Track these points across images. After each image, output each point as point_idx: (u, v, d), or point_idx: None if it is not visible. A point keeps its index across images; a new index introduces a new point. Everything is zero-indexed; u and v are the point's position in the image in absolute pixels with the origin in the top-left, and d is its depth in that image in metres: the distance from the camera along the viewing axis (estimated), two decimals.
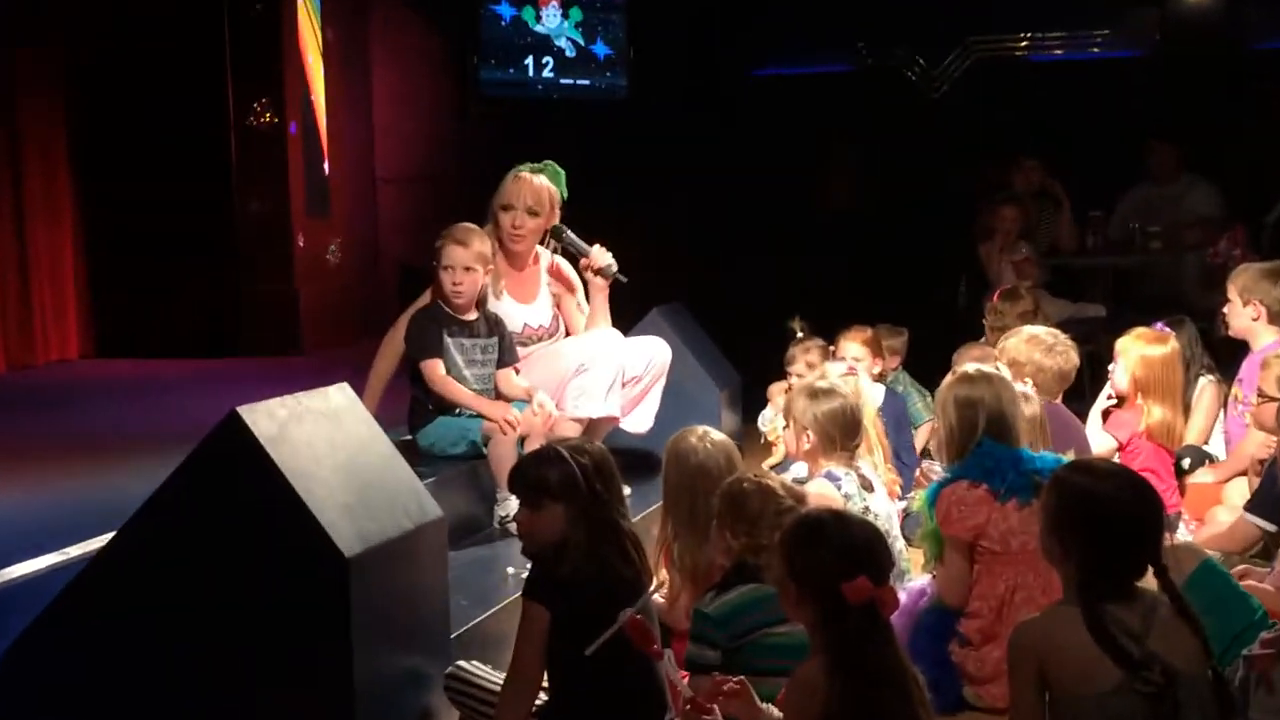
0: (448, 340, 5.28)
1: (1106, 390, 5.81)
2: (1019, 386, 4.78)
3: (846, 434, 4.62)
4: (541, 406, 5.25)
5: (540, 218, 5.66)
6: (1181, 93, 10.57)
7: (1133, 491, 3.05)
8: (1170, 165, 9.27)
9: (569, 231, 5.74)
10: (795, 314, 6.69)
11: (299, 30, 10.09)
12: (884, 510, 4.63)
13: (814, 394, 4.64)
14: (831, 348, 6.51)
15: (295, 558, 3.39)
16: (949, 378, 4.52)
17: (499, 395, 5.36)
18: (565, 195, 5.77)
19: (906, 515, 5.43)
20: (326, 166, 10.46)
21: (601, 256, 5.72)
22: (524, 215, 5.63)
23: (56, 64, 9.48)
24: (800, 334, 6.60)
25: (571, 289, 5.85)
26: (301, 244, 10.03)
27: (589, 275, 5.75)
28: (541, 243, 5.72)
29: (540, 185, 5.66)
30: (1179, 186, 9.23)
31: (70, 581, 3.56)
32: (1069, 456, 4.43)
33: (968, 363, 5.69)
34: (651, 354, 5.81)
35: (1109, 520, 2.99)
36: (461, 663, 3.81)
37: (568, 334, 5.86)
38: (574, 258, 5.80)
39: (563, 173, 5.75)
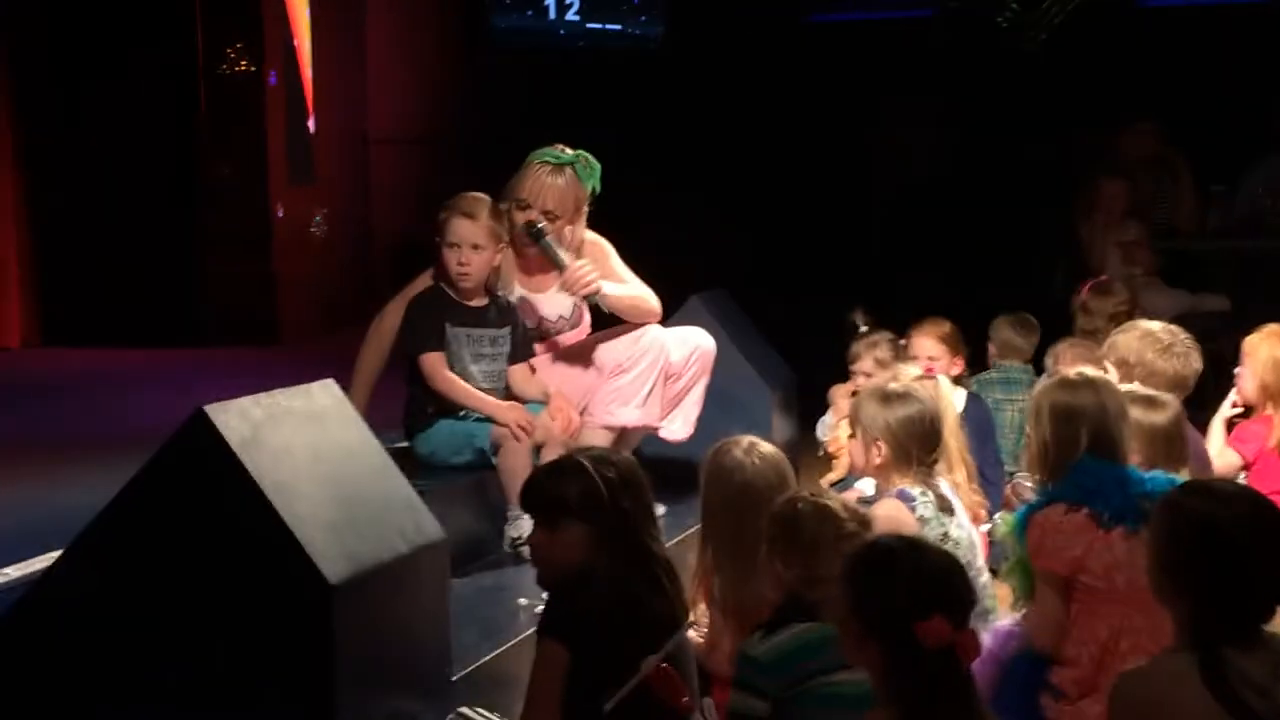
0: (451, 331, 5.30)
1: (1231, 398, 5.78)
2: (1138, 389, 4.75)
3: (924, 446, 4.60)
4: (561, 410, 5.26)
5: (562, 220, 5.64)
6: None
7: (1259, 517, 3.02)
8: None
9: (549, 235, 5.60)
10: (857, 304, 6.67)
11: None
12: (966, 537, 4.61)
13: (886, 398, 4.63)
14: (903, 342, 6.49)
15: (272, 583, 3.41)
16: (1046, 381, 4.49)
17: (510, 395, 5.37)
18: (598, 191, 5.74)
19: (992, 543, 5.41)
20: (311, 124, 10.49)
21: (575, 281, 5.57)
22: (541, 218, 5.59)
23: None
24: (864, 328, 6.58)
25: (603, 257, 5.80)
26: (281, 215, 10.07)
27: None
28: (530, 231, 5.58)
29: (564, 186, 5.60)
30: None
31: (9, 607, 3.59)
32: (1184, 476, 4.41)
33: (1066, 364, 5.69)
34: (694, 348, 5.81)
35: (1230, 551, 2.97)
36: (464, 709, 3.82)
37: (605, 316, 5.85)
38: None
39: (597, 167, 5.67)
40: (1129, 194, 8.84)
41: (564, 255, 5.60)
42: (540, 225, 5.56)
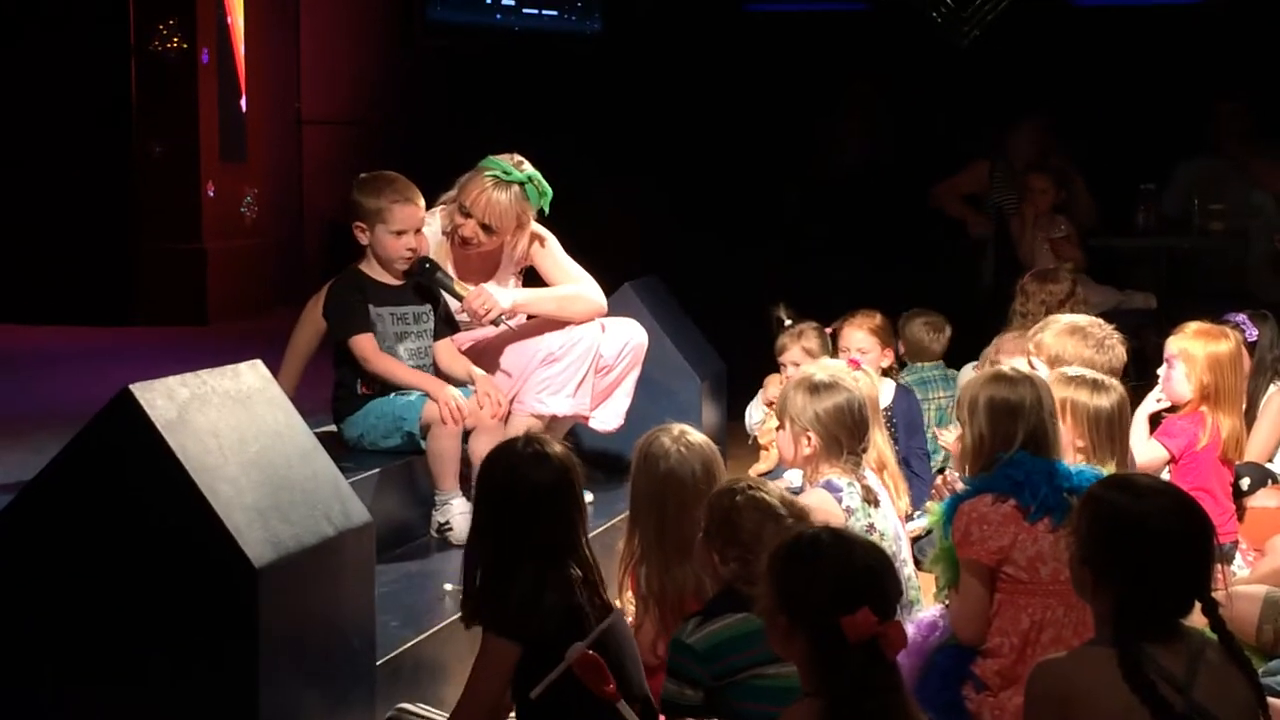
0: (375, 311, 5.29)
1: (1155, 394, 5.83)
2: (1085, 373, 4.78)
3: (853, 436, 4.61)
4: (486, 395, 5.25)
5: (498, 235, 5.59)
6: (1252, 47, 10.60)
7: (1180, 513, 3.04)
8: (1237, 130, 9.31)
9: (441, 271, 5.52)
10: (782, 297, 6.69)
11: None
12: (891, 529, 4.63)
13: (814, 388, 4.63)
14: (829, 330, 6.52)
15: (195, 566, 3.38)
16: (981, 374, 4.52)
17: (437, 373, 5.36)
18: (545, 211, 5.68)
19: (917, 536, 5.44)
20: (244, 103, 10.40)
21: (473, 312, 5.48)
22: (480, 230, 5.54)
23: None
24: (788, 321, 6.60)
25: (540, 240, 5.79)
26: (212, 194, 9.99)
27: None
28: (409, 271, 5.45)
29: (507, 203, 5.51)
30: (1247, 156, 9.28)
31: None
32: (1110, 470, 4.45)
33: (1008, 353, 5.74)
34: (626, 340, 5.81)
35: (1151, 546, 2.99)
36: (405, 705, 3.85)
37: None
38: (444, 288, 5.55)
39: (548, 191, 5.60)
40: (1055, 189, 8.89)
41: (458, 288, 5.52)
42: (429, 264, 5.46)
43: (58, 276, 9.62)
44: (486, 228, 5.52)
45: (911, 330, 6.84)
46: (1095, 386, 4.68)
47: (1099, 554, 3.03)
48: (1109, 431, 4.65)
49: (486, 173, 5.52)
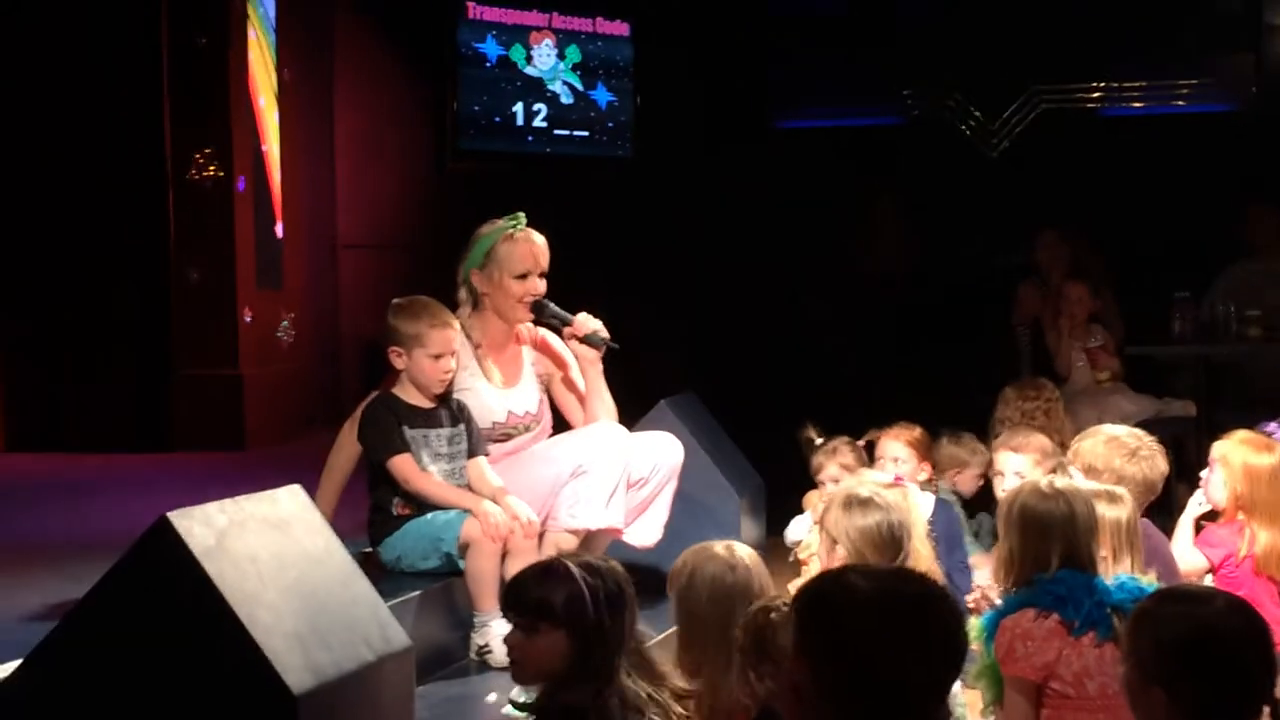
0: (409, 434, 5.32)
1: (1197, 498, 5.78)
2: (1094, 484, 4.76)
3: (883, 555, 4.57)
4: (516, 518, 5.23)
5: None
6: None
7: (1240, 614, 2.99)
8: (1271, 235, 9.30)
9: (551, 304, 5.81)
10: (808, 417, 6.68)
11: (249, 69, 10.16)
12: None
13: (849, 504, 4.61)
14: (861, 442, 6.49)
15: (235, 694, 3.36)
16: (1021, 485, 4.49)
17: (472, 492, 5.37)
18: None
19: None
20: (280, 229, 10.49)
21: (587, 323, 5.80)
22: (540, 281, 5.73)
23: None
24: (819, 440, 6.58)
25: (563, 365, 5.88)
26: (249, 320, 10.05)
27: (575, 346, 5.84)
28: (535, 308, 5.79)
29: (544, 245, 5.77)
30: None
31: None
32: (1151, 579, 4.40)
33: (1020, 442, 5.73)
34: (660, 454, 5.80)
35: (1217, 652, 2.91)
36: None
37: (562, 420, 5.87)
38: (558, 330, 5.90)
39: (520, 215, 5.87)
40: (1092, 298, 8.88)
41: (566, 314, 5.81)
42: (541, 303, 5.77)
43: (96, 404, 9.67)
44: (544, 276, 5.73)
45: (947, 452, 6.79)
46: (1110, 498, 4.66)
47: (1171, 668, 2.94)
48: (1130, 540, 4.62)
49: (512, 232, 5.71)
